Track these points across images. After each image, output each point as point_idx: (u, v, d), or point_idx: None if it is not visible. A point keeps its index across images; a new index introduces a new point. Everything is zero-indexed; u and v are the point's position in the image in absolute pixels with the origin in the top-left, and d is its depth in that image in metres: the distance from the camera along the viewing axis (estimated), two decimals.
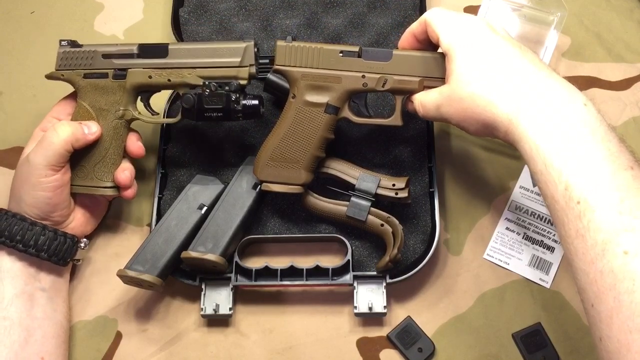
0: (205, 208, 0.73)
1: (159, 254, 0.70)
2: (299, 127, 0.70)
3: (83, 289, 0.76)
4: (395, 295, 0.73)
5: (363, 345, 0.72)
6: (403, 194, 0.71)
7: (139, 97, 0.73)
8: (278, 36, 0.84)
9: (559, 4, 0.80)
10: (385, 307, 0.70)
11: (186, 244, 0.71)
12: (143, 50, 0.71)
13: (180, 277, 0.73)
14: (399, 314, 0.73)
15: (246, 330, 0.73)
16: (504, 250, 0.74)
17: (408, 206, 0.74)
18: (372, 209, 0.71)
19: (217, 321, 0.74)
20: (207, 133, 0.79)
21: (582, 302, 0.51)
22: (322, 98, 0.69)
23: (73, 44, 0.73)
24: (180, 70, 0.70)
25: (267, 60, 0.74)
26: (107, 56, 0.72)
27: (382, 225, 0.70)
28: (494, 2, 0.82)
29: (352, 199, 0.71)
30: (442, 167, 0.77)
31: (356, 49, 0.69)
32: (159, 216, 0.75)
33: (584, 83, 0.82)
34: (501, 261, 0.74)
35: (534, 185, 0.77)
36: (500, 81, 0.57)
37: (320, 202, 0.73)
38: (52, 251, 0.69)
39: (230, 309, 0.71)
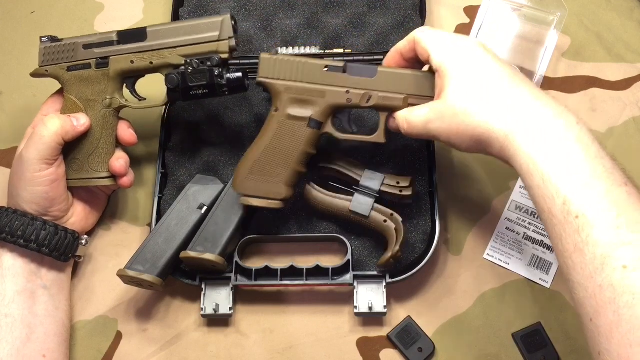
0: (205, 208, 0.73)
1: (159, 253, 0.70)
2: (281, 140, 0.69)
3: (83, 288, 0.76)
4: (395, 295, 0.73)
5: (363, 345, 0.72)
6: (407, 192, 0.71)
7: (125, 84, 0.73)
8: (278, 36, 0.84)
9: (559, 4, 0.80)
10: (385, 306, 0.70)
11: (186, 243, 0.71)
12: (122, 37, 0.71)
13: (181, 277, 0.73)
14: (399, 314, 0.73)
15: (246, 330, 0.73)
16: (504, 250, 0.74)
17: (408, 206, 0.74)
18: (376, 205, 0.71)
19: (217, 321, 0.74)
20: (207, 133, 0.79)
21: (580, 316, 0.51)
22: (305, 112, 0.68)
23: (53, 39, 0.73)
24: (160, 52, 0.70)
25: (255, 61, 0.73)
26: (88, 46, 0.72)
27: (385, 221, 0.70)
28: (494, 2, 0.82)
29: (356, 194, 0.71)
30: (442, 167, 0.77)
31: (341, 64, 0.68)
32: (159, 216, 0.75)
33: (584, 83, 0.82)
34: (501, 261, 0.74)
35: None
36: (494, 99, 0.58)
37: (324, 196, 0.72)
38: (53, 246, 0.69)
39: (230, 308, 0.71)
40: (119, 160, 0.72)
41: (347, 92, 0.68)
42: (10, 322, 0.66)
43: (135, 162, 0.82)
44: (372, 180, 0.71)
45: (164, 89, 0.71)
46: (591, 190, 0.51)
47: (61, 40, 0.73)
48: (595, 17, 0.85)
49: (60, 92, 0.75)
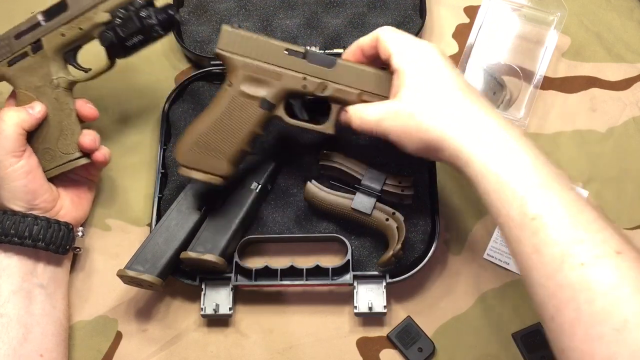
0: (205, 208, 0.73)
1: (159, 253, 0.70)
2: (230, 117, 0.68)
3: (83, 288, 0.76)
4: (395, 295, 0.73)
5: (363, 345, 0.72)
6: (409, 192, 0.71)
7: (66, 61, 0.73)
8: (278, 36, 0.84)
9: (559, 4, 0.80)
10: (385, 307, 0.70)
11: (186, 243, 0.71)
12: (47, 14, 0.71)
13: (180, 277, 0.73)
14: (399, 314, 0.73)
15: (246, 330, 0.73)
16: (504, 250, 0.74)
17: (409, 206, 0.74)
18: (377, 204, 0.71)
19: (217, 321, 0.74)
20: None
21: (541, 316, 0.52)
22: (259, 92, 0.68)
23: None
24: (85, 15, 0.70)
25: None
26: (19, 36, 0.72)
27: (386, 220, 0.70)
28: (494, 2, 0.82)
29: (358, 193, 0.72)
30: (443, 166, 0.77)
31: (302, 49, 0.68)
32: (159, 216, 0.75)
33: (584, 83, 0.82)
34: (501, 261, 0.74)
35: None
36: (449, 107, 0.59)
37: (325, 194, 0.72)
38: (48, 240, 0.69)
39: (230, 308, 0.71)
40: (87, 137, 0.71)
41: (304, 78, 0.67)
42: (6, 322, 0.66)
43: (135, 161, 0.82)
44: (374, 179, 0.72)
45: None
46: (545, 193, 0.53)
47: None
48: (595, 17, 0.85)
49: (13, 94, 0.74)
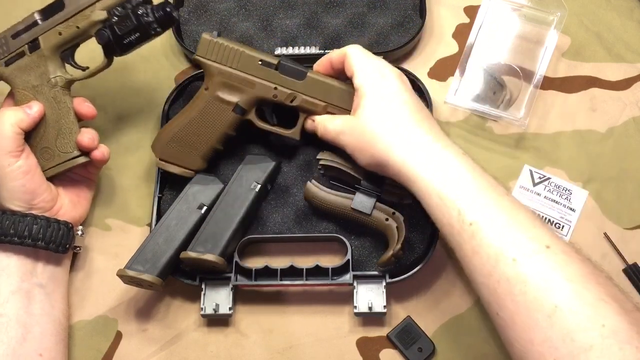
0: (205, 208, 0.73)
1: (159, 253, 0.70)
2: (205, 118, 0.73)
3: (83, 288, 0.76)
4: (395, 295, 0.73)
5: (363, 345, 0.72)
6: (410, 191, 0.71)
7: (63, 60, 0.73)
8: (278, 36, 0.84)
9: (559, 4, 0.80)
10: (385, 306, 0.70)
11: (186, 243, 0.71)
12: (44, 13, 0.71)
13: (180, 277, 0.73)
14: (398, 314, 0.73)
15: (246, 330, 0.74)
16: None
17: (408, 206, 0.74)
18: (377, 203, 0.71)
19: (217, 321, 0.74)
20: None
21: (489, 314, 0.57)
22: (233, 97, 0.73)
23: None
24: (82, 13, 0.70)
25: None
26: (16, 35, 0.72)
27: (386, 219, 0.70)
28: (494, 2, 0.82)
29: (358, 193, 0.72)
30: None
31: (275, 61, 0.72)
32: (159, 216, 0.75)
33: (584, 83, 0.82)
34: None
35: (534, 185, 0.77)
36: (398, 131, 0.65)
37: (325, 194, 0.72)
38: (48, 239, 0.69)
39: (230, 308, 0.71)
40: (85, 135, 0.71)
41: (275, 88, 0.72)
42: (5, 322, 0.66)
43: (135, 161, 0.82)
44: (374, 179, 0.72)
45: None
46: (481, 200, 0.59)
47: None
48: (595, 17, 0.85)
49: (11, 94, 0.74)
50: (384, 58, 0.80)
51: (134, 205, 0.80)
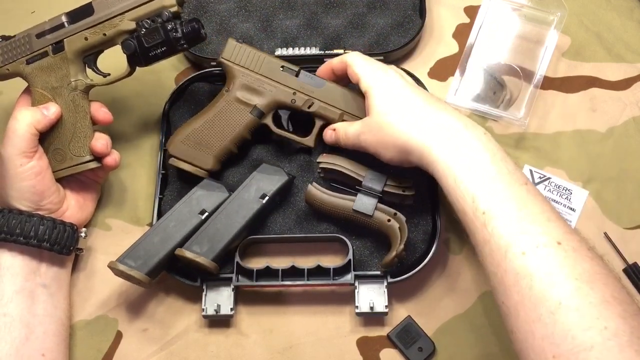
0: (206, 214, 0.73)
1: (152, 252, 0.70)
2: (223, 118, 0.75)
3: (84, 288, 0.76)
4: (395, 294, 0.73)
5: (363, 344, 0.72)
6: (410, 192, 0.71)
7: (85, 64, 0.73)
8: (278, 37, 0.84)
9: (559, 4, 0.80)
10: (386, 306, 0.70)
11: (181, 246, 0.71)
12: (71, 16, 0.71)
13: (181, 277, 0.73)
14: (399, 314, 0.73)
15: (246, 330, 0.74)
16: None
17: (409, 206, 0.74)
18: (379, 204, 0.71)
19: (217, 321, 0.74)
20: None
21: (496, 302, 0.58)
22: (252, 99, 0.75)
23: (5, 37, 0.73)
24: (110, 21, 0.70)
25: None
26: (40, 35, 0.72)
27: (388, 220, 0.70)
28: (494, 2, 0.82)
29: (359, 194, 0.72)
30: None
31: (296, 68, 0.75)
32: (159, 217, 0.75)
33: (584, 83, 0.82)
34: None
35: (534, 185, 0.77)
36: (411, 115, 0.66)
37: (327, 196, 0.72)
38: (53, 240, 0.69)
39: (231, 309, 0.71)
40: (99, 141, 0.72)
41: (294, 93, 0.75)
42: (9, 322, 0.66)
43: (135, 161, 0.82)
44: (375, 180, 0.72)
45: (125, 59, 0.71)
46: (496, 189, 0.59)
47: (13, 36, 0.73)
48: (595, 17, 0.85)
49: (27, 90, 0.74)
50: (384, 58, 0.81)
51: (134, 206, 0.80)
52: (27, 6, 0.91)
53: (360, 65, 0.71)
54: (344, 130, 0.72)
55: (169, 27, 0.68)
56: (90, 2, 0.71)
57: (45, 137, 0.71)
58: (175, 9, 0.69)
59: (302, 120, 0.76)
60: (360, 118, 0.72)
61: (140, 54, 0.70)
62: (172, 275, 0.73)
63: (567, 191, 0.77)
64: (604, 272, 0.54)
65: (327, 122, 0.75)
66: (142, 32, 0.69)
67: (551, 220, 0.57)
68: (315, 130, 0.75)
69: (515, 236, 0.56)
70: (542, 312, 0.52)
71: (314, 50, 0.82)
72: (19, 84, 0.79)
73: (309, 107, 0.74)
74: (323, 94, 0.74)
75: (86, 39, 0.71)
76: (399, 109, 0.67)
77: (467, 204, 0.59)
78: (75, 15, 0.71)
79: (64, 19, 0.71)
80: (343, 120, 0.74)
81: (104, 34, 0.70)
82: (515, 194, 0.58)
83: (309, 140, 0.76)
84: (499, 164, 0.60)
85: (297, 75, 0.75)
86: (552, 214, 0.58)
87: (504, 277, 0.56)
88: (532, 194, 0.59)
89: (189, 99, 0.82)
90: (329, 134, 0.74)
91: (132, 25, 0.69)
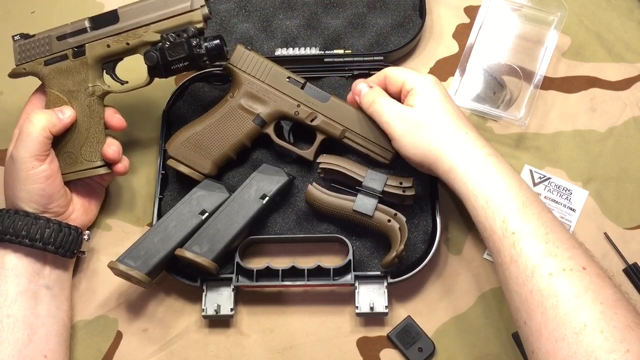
0: (206, 214, 0.73)
1: (152, 252, 0.70)
2: (225, 124, 0.74)
3: (84, 288, 0.76)
4: (395, 294, 0.73)
5: (363, 344, 0.72)
6: (410, 192, 0.71)
7: (104, 70, 0.73)
8: (278, 37, 0.84)
9: (559, 4, 0.80)
10: (386, 306, 0.70)
11: (181, 246, 0.71)
12: (95, 22, 0.71)
13: (182, 278, 0.73)
14: (399, 314, 0.73)
15: (247, 330, 0.74)
16: None
17: (409, 206, 0.74)
18: (379, 205, 0.71)
19: (217, 321, 0.74)
20: None
21: (516, 321, 0.59)
22: (256, 108, 0.75)
23: (26, 36, 0.73)
24: (135, 31, 0.70)
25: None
26: (61, 37, 0.71)
27: (389, 221, 0.70)
28: (494, 2, 0.82)
29: (359, 195, 0.72)
30: None
31: (302, 80, 0.75)
32: (160, 217, 0.75)
33: (584, 83, 0.82)
34: None
35: (534, 185, 0.77)
36: (451, 133, 0.67)
37: (327, 197, 0.72)
38: (58, 243, 0.69)
39: (231, 309, 0.71)
40: (111, 147, 0.72)
41: (298, 105, 0.74)
42: (12, 323, 0.66)
43: (136, 162, 0.82)
44: (375, 180, 0.72)
45: (145, 68, 0.71)
46: (526, 212, 0.61)
47: (34, 36, 0.72)
48: (595, 17, 0.85)
49: (41, 90, 0.74)
50: (384, 58, 0.81)
51: (134, 206, 0.80)
52: (27, 6, 0.91)
53: (401, 70, 0.72)
54: (373, 98, 0.71)
55: (194, 42, 0.69)
56: (116, 10, 0.70)
57: (58, 140, 0.71)
58: (201, 25, 0.69)
59: (304, 131, 0.76)
60: (364, 137, 0.73)
61: (162, 66, 0.70)
62: (172, 275, 0.73)
63: (567, 191, 0.77)
64: (624, 299, 0.56)
65: (329, 136, 0.75)
66: (167, 46, 0.69)
67: (576, 248, 0.59)
68: (315, 144, 0.75)
69: (543, 258, 0.57)
70: (567, 332, 0.53)
71: (314, 51, 0.82)
72: (19, 84, 0.79)
73: (312, 120, 0.74)
74: (327, 108, 0.74)
75: (108, 46, 0.70)
76: (440, 118, 0.67)
77: (496, 224, 0.61)
78: (99, 21, 0.71)
79: (87, 23, 0.71)
80: (345, 137, 0.74)
81: (127, 43, 0.70)
82: (544, 218, 0.60)
83: (309, 154, 0.75)
84: (527, 190, 0.63)
85: (302, 88, 0.75)
86: (575, 241, 0.60)
87: (528, 297, 0.57)
88: (557, 221, 0.61)
89: (189, 99, 0.82)
90: (358, 87, 0.72)
91: (157, 37, 0.69)
